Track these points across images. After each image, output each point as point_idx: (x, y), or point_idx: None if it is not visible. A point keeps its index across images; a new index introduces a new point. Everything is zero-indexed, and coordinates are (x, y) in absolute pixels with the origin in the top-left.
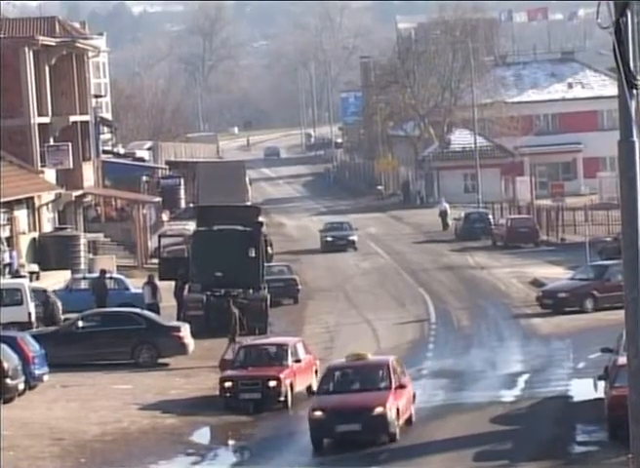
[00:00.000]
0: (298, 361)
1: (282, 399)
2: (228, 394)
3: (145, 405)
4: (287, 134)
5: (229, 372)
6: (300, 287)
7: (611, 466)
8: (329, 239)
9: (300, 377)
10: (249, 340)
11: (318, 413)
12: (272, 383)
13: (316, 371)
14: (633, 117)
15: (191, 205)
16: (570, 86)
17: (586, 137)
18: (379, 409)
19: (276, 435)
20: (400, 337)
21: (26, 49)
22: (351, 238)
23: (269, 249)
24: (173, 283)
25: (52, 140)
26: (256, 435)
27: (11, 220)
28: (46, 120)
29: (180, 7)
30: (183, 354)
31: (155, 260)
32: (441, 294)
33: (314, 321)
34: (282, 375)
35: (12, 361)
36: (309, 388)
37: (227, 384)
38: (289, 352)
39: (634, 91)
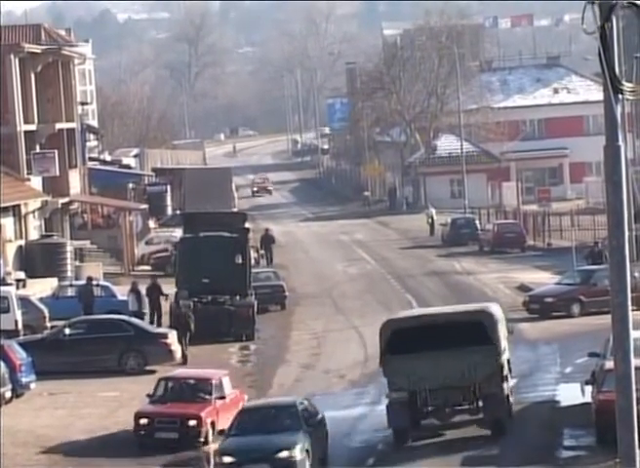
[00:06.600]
0: (222, 397)
1: (202, 440)
2: (143, 432)
3: (133, 412)
4: (273, 140)
5: (146, 408)
6: (287, 293)
7: None
8: None
9: (224, 415)
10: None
11: (142, 420)
12: (192, 422)
13: None
14: (619, 122)
15: (178, 212)
16: (556, 91)
17: (572, 142)
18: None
19: None
20: None
21: (12, 56)
22: None
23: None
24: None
25: (38, 148)
26: None
27: None
28: (32, 127)
29: (166, 14)
30: (171, 361)
31: (142, 267)
32: (428, 300)
33: (301, 327)
34: (203, 414)
35: None
36: None
37: (142, 421)
38: (213, 387)
39: (619, 95)
